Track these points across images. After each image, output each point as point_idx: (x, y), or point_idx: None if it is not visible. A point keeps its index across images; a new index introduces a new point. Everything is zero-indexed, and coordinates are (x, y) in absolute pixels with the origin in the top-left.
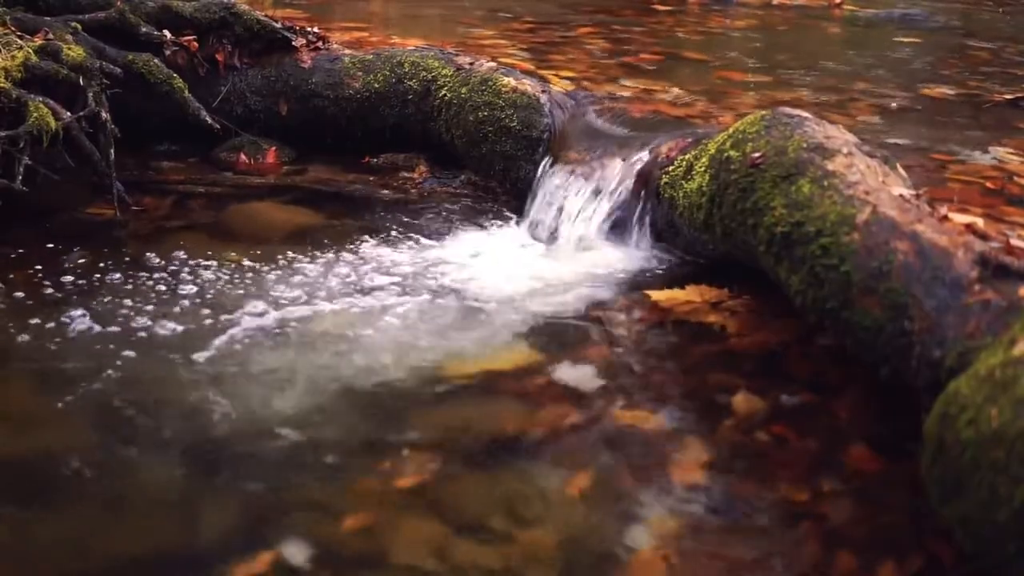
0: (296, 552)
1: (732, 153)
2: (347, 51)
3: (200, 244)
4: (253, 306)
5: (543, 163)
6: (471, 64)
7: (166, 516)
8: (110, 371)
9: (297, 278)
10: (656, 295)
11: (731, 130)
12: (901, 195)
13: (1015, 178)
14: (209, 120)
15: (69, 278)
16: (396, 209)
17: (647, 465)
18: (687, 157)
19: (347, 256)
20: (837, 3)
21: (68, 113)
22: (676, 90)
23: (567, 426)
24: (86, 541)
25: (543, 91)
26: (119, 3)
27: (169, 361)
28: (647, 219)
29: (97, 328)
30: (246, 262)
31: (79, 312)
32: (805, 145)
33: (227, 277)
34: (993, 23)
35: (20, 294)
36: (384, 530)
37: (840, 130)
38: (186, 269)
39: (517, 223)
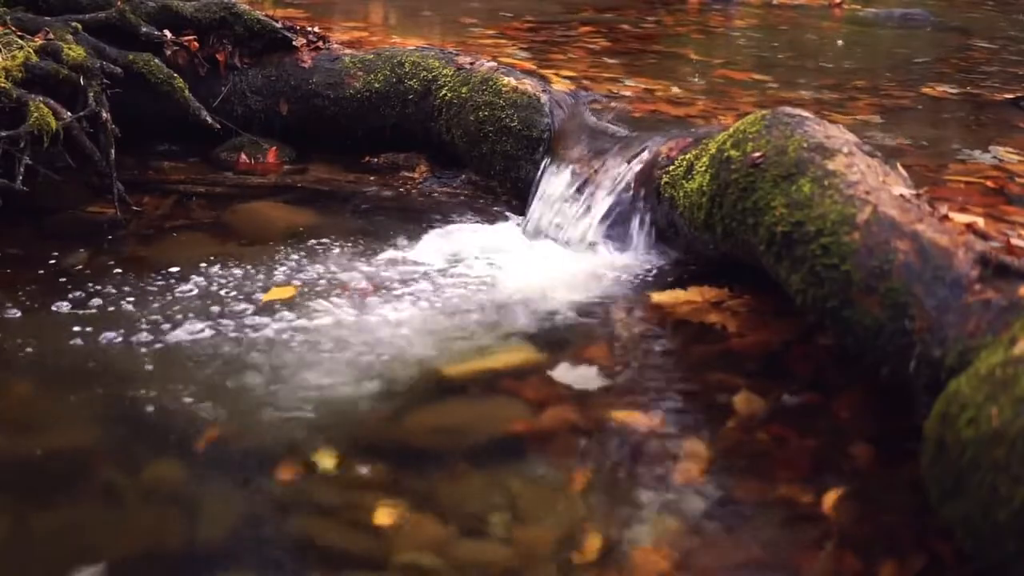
0: (295, 551)
1: (733, 153)
2: (347, 51)
3: (200, 244)
4: (253, 306)
5: (544, 163)
6: (471, 64)
7: (166, 514)
8: (110, 370)
9: (297, 278)
10: (657, 295)
11: (732, 130)
12: (901, 195)
13: (1015, 178)
14: (210, 120)
15: (69, 277)
16: (396, 209)
17: (648, 465)
18: (687, 157)
19: (347, 256)
20: (837, 3)
21: (69, 113)
22: (676, 89)
23: (567, 426)
24: (87, 538)
25: (543, 91)
26: (119, 3)
27: (170, 360)
28: (647, 219)
29: (97, 327)
30: (246, 262)
31: (79, 311)
32: (806, 145)
33: (227, 277)
34: (993, 23)
35: (20, 294)
36: (384, 529)
37: (840, 129)
38: (186, 269)
39: (517, 223)
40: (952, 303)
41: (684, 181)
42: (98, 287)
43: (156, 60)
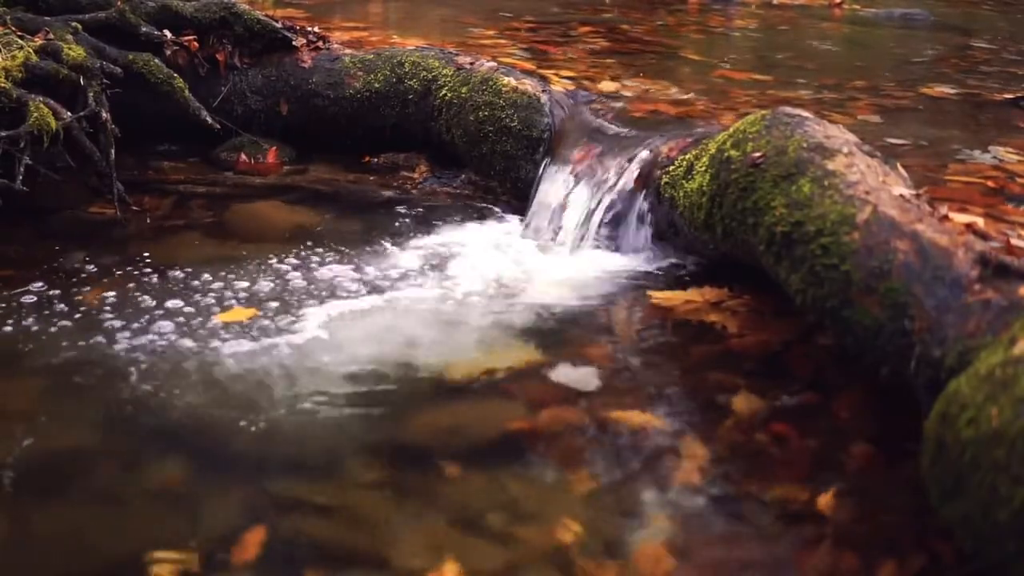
0: (297, 550)
1: (732, 153)
2: (347, 51)
3: (200, 244)
4: (251, 307)
5: (543, 163)
6: (471, 64)
7: (166, 513)
8: (110, 370)
9: (297, 278)
10: (656, 294)
11: (732, 130)
12: (901, 195)
13: (1015, 178)
14: (209, 120)
15: (69, 278)
16: (396, 209)
17: (647, 465)
18: (687, 157)
19: (347, 256)
20: (837, 3)
21: (68, 113)
22: (676, 89)
23: (567, 426)
24: (88, 538)
25: (543, 91)
26: (119, 3)
27: (169, 360)
28: (647, 219)
29: (97, 327)
30: (246, 262)
31: (79, 311)
32: (805, 145)
33: (227, 277)
34: (993, 23)
35: (20, 294)
36: (384, 529)
37: (840, 129)
38: (186, 269)
39: (518, 223)
40: (952, 303)
41: (684, 181)
42: (98, 287)
43: (156, 60)
